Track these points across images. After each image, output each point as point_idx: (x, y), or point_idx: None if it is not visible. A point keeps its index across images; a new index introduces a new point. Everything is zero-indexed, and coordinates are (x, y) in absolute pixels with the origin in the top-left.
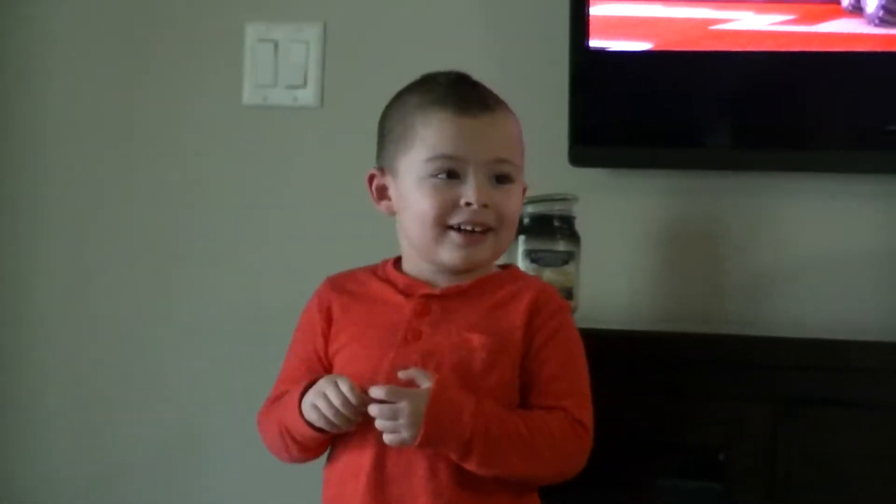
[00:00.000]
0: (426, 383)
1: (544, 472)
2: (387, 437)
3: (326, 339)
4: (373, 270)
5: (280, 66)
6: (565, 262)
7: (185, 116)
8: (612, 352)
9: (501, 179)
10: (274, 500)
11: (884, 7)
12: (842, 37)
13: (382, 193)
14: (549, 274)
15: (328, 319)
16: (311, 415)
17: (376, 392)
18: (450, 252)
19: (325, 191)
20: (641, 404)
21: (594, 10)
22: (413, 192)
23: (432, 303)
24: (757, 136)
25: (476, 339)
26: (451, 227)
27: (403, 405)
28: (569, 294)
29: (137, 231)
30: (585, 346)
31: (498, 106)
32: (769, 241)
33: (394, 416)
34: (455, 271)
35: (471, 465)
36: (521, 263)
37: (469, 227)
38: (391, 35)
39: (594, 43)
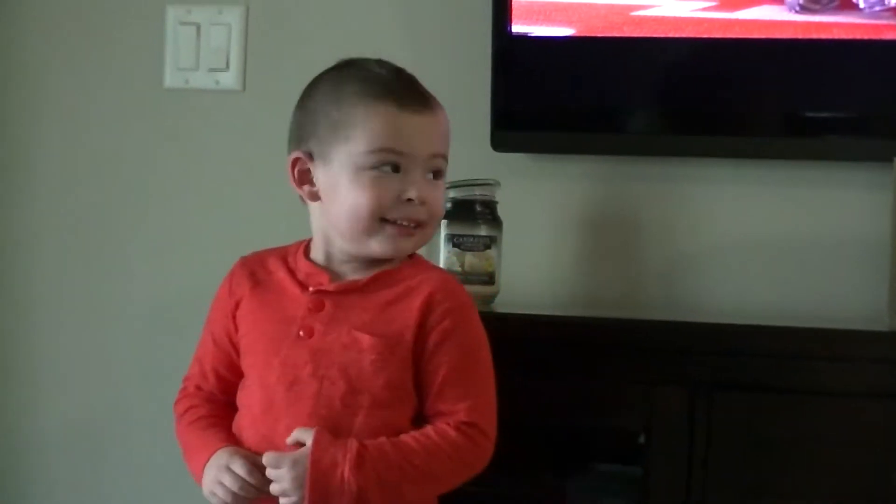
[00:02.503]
0: (308, 440)
1: (445, 489)
2: (282, 501)
3: (234, 322)
4: (283, 255)
5: (202, 49)
6: (487, 246)
7: (107, 100)
8: (531, 336)
9: (436, 175)
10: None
11: None
12: (763, 24)
13: (305, 178)
14: (470, 258)
15: (237, 303)
16: (212, 500)
17: (264, 460)
18: (382, 244)
19: (247, 174)
20: (561, 389)
21: None
22: (349, 183)
23: (326, 299)
24: (677, 122)
25: (366, 340)
26: (387, 221)
27: (284, 471)
28: (490, 278)
29: (57, 212)
30: (506, 331)
31: (434, 102)
32: (688, 226)
33: (279, 482)
34: (379, 259)
35: None
36: (443, 248)
37: (405, 223)
38: (312, 18)
39: (516, 28)
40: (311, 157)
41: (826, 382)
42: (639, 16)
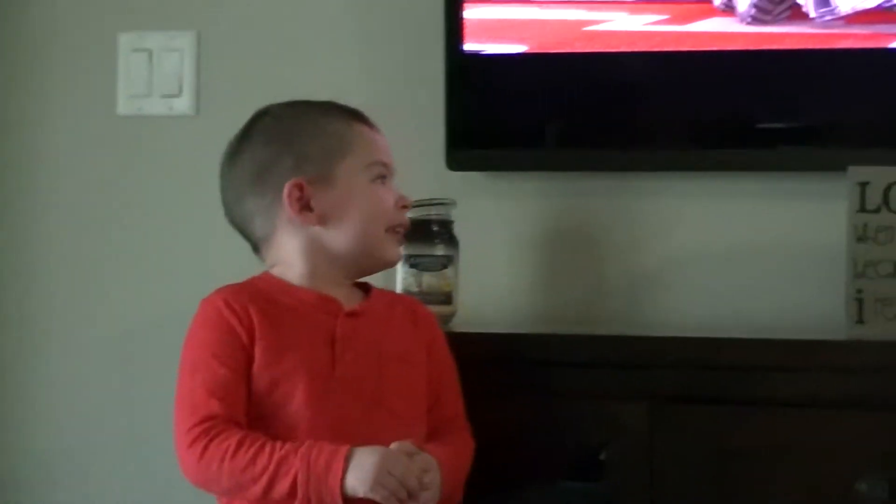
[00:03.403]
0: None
1: None
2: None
3: (253, 353)
4: (263, 286)
5: (155, 75)
6: (444, 266)
7: (60, 128)
8: (491, 355)
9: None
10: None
11: (755, 5)
12: (715, 35)
13: (303, 205)
14: (427, 278)
15: (251, 336)
16: (378, 492)
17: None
18: (393, 250)
19: (202, 199)
20: (522, 406)
21: (468, 14)
22: (365, 193)
23: (356, 320)
24: (633, 136)
25: (409, 357)
26: (389, 228)
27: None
28: (448, 298)
29: (13, 241)
30: (465, 350)
31: None
32: (646, 240)
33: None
34: (387, 267)
35: None
36: (400, 268)
37: (399, 229)
38: (264, 41)
39: (469, 46)
40: (311, 182)
41: (786, 393)
42: (591, 31)
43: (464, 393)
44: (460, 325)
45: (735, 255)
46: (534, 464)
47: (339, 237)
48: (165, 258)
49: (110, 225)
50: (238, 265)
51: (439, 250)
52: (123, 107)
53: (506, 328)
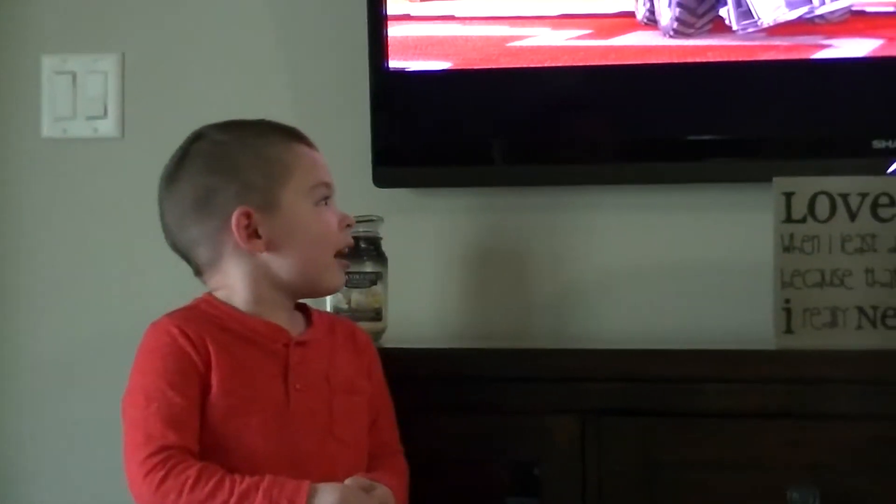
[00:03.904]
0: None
1: None
2: None
3: (209, 383)
4: (207, 313)
5: (79, 97)
6: (373, 282)
7: None
8: (421, 372)
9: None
10: None
11: (677, 19)
12: (638, 49)
13: (250, 233)
14: (356, 295)
15: (207, 364)
16: None
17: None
18: (338, 278)
19: (128, 222)
20: (454, 423)
21: (392, 31)
22: (310, 218)
23: (304, 349)
24: (559, 151)
25: (354, 386)
26: (337, 253)
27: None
28: (377, 314)
29: None
30: (395, 366)
31: None
32: (574, 255)
33: None
34: (330, 294)
35: None
36: None
37: (346, 251)
38: (188, 61)
39: (393, 64)
40: (257, 210)
41: (716, 404)
42: (515, 47)
43: (396, 410)
44: (389, 341)
45: (664, 267)
46: (472, 481)
47: (286, 264)
48: (92, 281)
49: (36, 248)
50: (165, 287)
51: (368, 267)
52: (48, 129)
53: (434, 344)
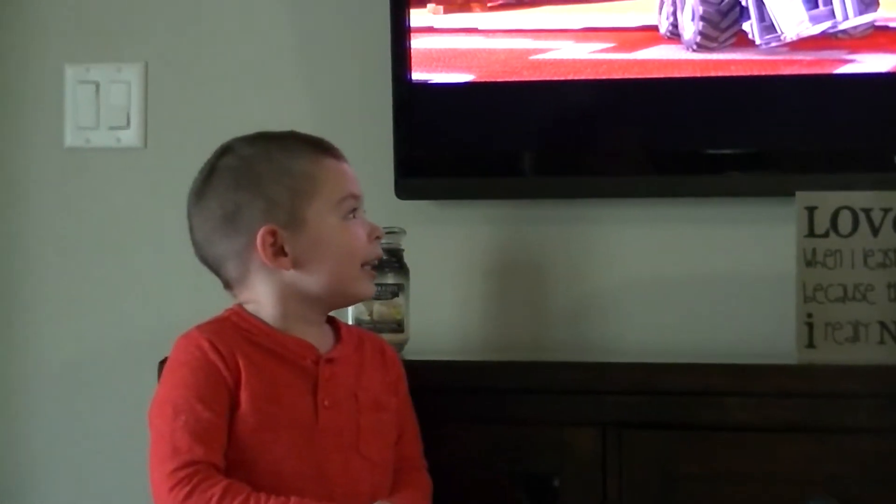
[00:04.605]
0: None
1: None
2: None
3: (237, 398)
4: (235, 328)
5: (102, 107)
6: (395, 294)
7: (7, 161)
8: (442, 383)
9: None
10: None
11: (701, 33)
12: (661, 63)
13: (276, 250)
14: (378, 307)
15: (236, 380)
16: None
17: None
18: (367, 286)
19: (150, 232)
20: (472, 434)
21: (415, 43)
22: (337, 233)
23: (334, 366)
24: (581, 163)
25: (381, 403)
26: (364, 263)
27: None
28: (399, 326)
29: None
30: (417, 378)
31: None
32: (595, 267)
33: None
34: (360, 302)
35: None
36: None
37: (376, 262)
38: (211, 72)
39: (416, 76)
40: (283, 228)
41: (736, 418)
42: (538, 59)
43: (418, 421)
44: (410, 352)
45: (684, 280)
46: (492, 492)
47: (313, 280)
48: (115, 290)
49: (59, 258)
50: (186, 297)
51: (390, 279)
52: (71, 139)
53: (455, 356)
